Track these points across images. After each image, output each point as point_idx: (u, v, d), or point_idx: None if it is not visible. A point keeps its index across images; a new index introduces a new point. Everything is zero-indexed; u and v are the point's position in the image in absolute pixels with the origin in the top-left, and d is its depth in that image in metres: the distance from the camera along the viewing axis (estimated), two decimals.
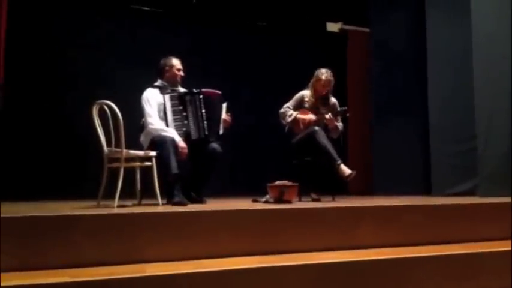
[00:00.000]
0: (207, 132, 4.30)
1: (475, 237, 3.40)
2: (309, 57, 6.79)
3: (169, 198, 4.00)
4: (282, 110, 4.93)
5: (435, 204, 3.66)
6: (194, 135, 4.28)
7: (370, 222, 3.27)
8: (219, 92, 4.43)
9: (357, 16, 7.50)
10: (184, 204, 3.76)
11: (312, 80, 4.92)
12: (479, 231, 3.46)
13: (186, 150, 4.10)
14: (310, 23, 7.35)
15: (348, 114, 5.02)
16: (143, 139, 4.27)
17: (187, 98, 4.32)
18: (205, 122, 4.30)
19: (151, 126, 4.18)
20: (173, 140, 4.05)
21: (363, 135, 7.27)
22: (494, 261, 3.03)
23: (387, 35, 7.01)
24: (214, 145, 4.32)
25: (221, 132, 4.43)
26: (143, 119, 4.28)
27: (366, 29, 7.50)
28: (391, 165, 6.70)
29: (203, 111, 4.30)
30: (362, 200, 4.62)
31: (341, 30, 7.55)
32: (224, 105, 4.46)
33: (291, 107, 4.91)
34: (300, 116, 4.85)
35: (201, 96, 4.31)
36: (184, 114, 4.28)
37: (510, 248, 3.09)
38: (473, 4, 5.31)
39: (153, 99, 4.27)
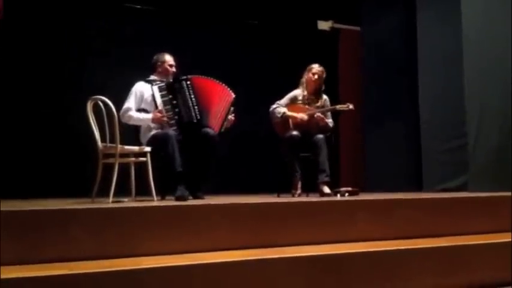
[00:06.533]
0: (198, 117, 4.27)
1: (466, 230, 3.46)
2: (300, 55, 6.80)
3: (163, 193, 4.02)
4: (271, 108, 4.85)
5: (427, 198, 3.72)
6: (185, 119, 4.24)
7: (364, 215, 3.31)
8: (233, 95, 4.48)
9: (349, 14, 7.53)
10: (186, 199, 3.77)
11: (304, 74, 4.91)
12: (470, 225, 3.51)
13: (159, 115, 4.14)
14: (302, 21, 7.37)
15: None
16: (142, 134, 4.28)
17: (176, 85, 4.29)
18: (196, 107, 4.26)
19: (124, 114, 4.16)
20: (176, 136, 4.04)
21: (355, 132, 7.32)
22: (485, 253, 3.08)
23: (378, 34, 7.06)
24: (207, 129, 4.26)
25: (222, 129, 4.41)
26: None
27: (358, 28, 7.55)
28: (383, 162, 6.76)
29: (192, 96, 4.26)
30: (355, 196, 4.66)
31: (332, 28, 7.58)
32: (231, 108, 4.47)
33: (281, 104, 4.84)
34: (289, 113, 4.79)
35: (188, 82, 4.28)
36: (175, 102, 4.24)
37: (500, 241, 3.16)
38: (463, 4, 5.38)
39: (138, 92, 4.28)
